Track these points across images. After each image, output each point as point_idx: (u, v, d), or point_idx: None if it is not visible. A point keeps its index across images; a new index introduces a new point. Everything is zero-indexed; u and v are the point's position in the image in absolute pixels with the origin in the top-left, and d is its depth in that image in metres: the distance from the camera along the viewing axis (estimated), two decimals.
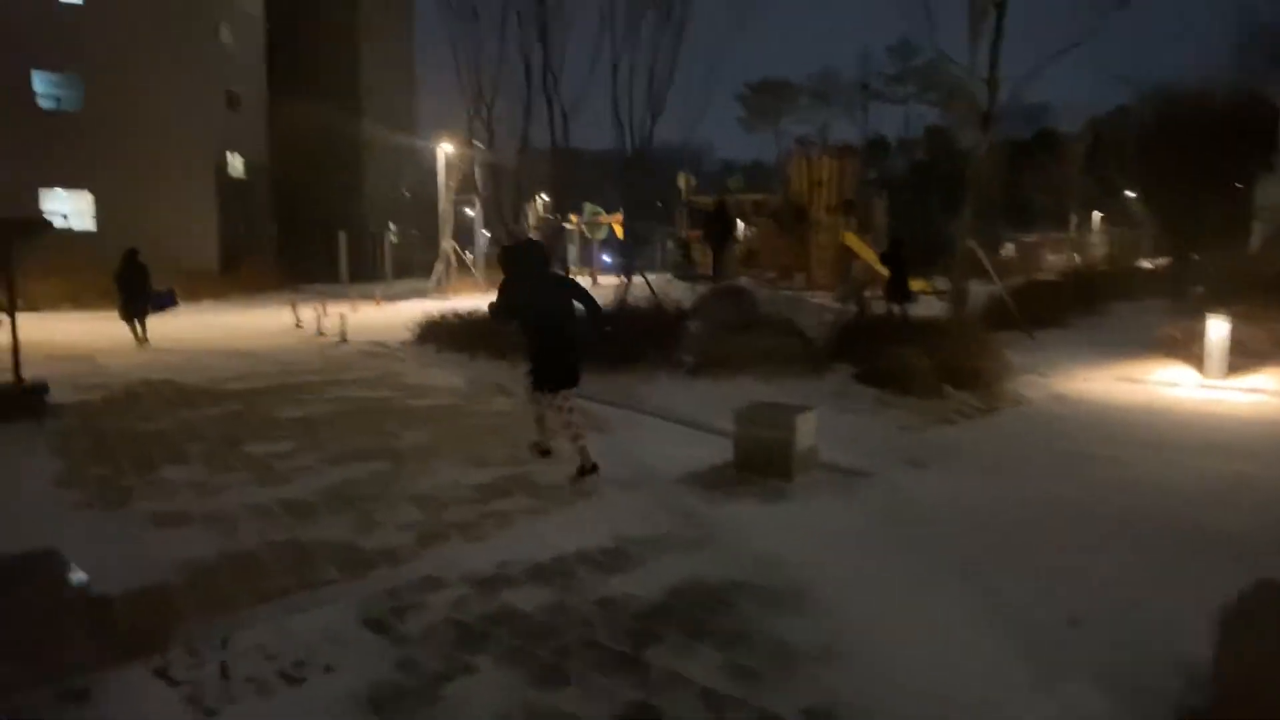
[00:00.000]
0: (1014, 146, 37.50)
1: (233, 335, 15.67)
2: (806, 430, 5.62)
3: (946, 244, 17.68)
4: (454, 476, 5.57)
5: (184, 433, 6.95)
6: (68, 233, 25.25)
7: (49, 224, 9.22)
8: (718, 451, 6.05)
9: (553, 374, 5.70)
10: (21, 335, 15.06)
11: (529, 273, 5.83)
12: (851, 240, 23.37)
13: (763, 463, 5.58)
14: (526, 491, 5.27)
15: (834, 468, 5.75)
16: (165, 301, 15.27)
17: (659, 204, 35.95)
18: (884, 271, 18.99)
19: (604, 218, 30.27)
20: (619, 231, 28.63)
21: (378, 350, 12.97)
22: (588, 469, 5.51)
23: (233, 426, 7.21)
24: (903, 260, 13.22)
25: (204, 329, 16.83)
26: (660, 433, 6.94)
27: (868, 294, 16.36)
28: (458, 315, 13.45)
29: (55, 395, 8.51)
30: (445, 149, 27.85)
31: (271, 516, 4.75)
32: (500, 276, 6.32)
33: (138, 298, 14.08)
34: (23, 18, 23.81)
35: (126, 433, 6.93)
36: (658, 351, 9.25)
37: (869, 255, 22.79)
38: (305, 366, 11.15)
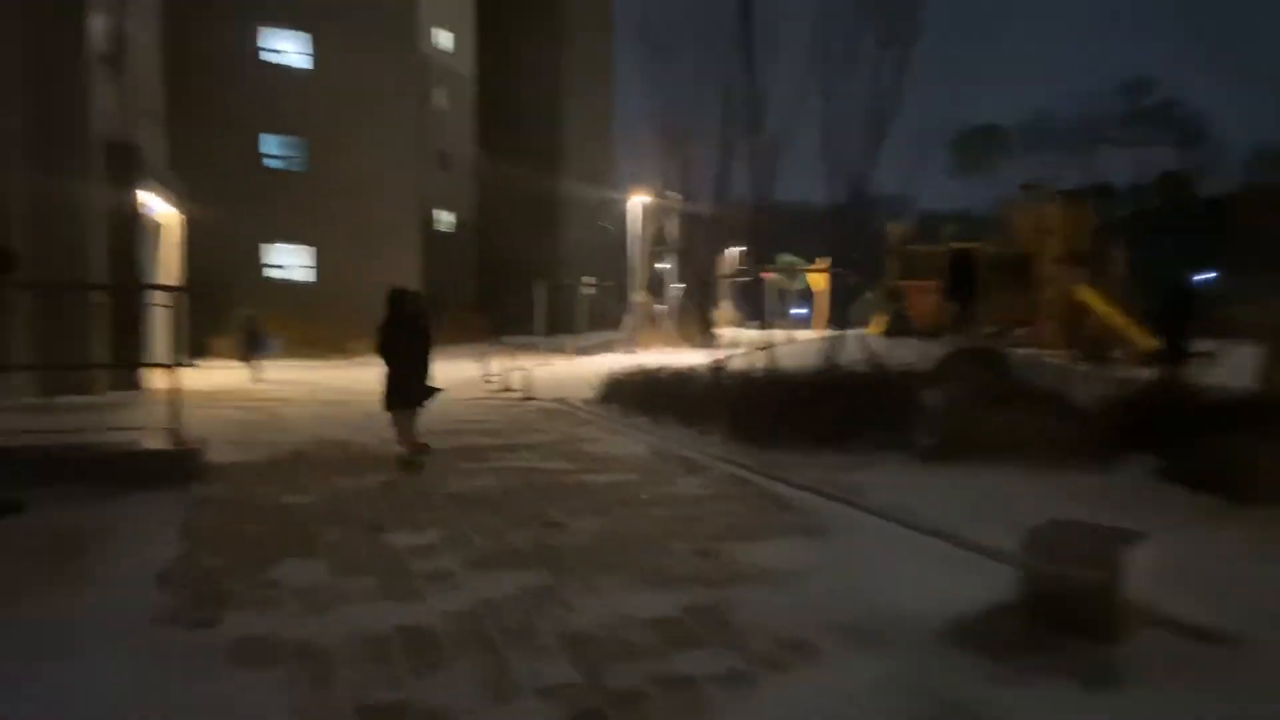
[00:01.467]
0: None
1: None
2: (1138, 570, 3.79)
3: (1212, 299, 14.83)
4: (624, 603, 4.17)
5: (329, 510, 6.03)
6: (288, 284, 26.80)
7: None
8: (985, 582, 4.30)
9: (397, 398, 7.87)
10: (226, 384, 15.45)
11: (398, 317, 7.90)
12: (1087, 294, 20.42)
13: (1067, 614, 3.79)
14: (720, 637, 3.77)
15: (1178, 627, 3.86)
16: (270, 346, 18.30)
17: (855, 255, 33.82)
18: (1124, 327, 16.23)
19: (811, 269, 28.46)
20: (819, 283, 26.88)
21: (560, 409, 12.01)
22: (415, 463, 7.55)
23: (383, 503, 6.24)
24: (1188, 316, 10.74)
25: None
26: (895, 544, 5.25)
27: (1115, 355, 13.83)
28: (644, 372, 12.33)
29: (222, 453, 8.01)
30: (639, 200, 27.33)
31: (382, 657, 3.54)
32: None
33: (255, 344, 17.36)
34: (256, 84, 25.71)
35: (268, 508, 6.10)
36: (881, 428, 7.55)
37: (1106, 310, 19.77)
38: (481, 427, 10.30)
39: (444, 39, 35.42)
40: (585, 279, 43.57)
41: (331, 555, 4.93)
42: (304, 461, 7.90)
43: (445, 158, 35.14)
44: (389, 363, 7.82)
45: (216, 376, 16.58)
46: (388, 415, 7.98)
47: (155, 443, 7.11)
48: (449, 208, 35.34)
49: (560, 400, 12.82)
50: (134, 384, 14.49)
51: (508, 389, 14.68)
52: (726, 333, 40.00)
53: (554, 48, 42.37)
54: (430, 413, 11.51)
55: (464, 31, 36.54)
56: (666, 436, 9.24)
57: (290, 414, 11.31)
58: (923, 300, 23.12)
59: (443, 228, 34.90)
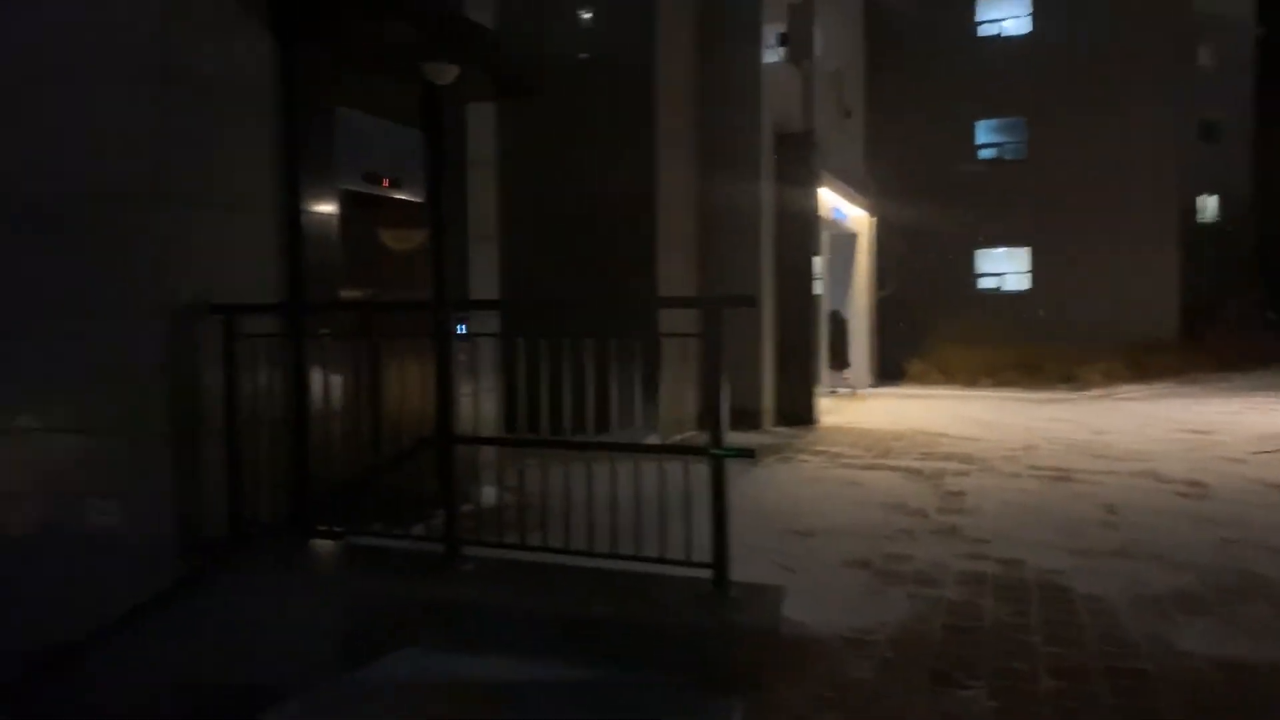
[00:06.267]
0: None
1: (1182, 447, 9.60)
2: None
3: None
4: None
5: None
6: (999, 296, 22.67)
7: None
8: None
9: None
10: (896, 418, 12.07)
11: None
12: None
13: None
14: None
15: None
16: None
17: None
18: None
19: None
20: None
21: None
22: None
23: None
24: None
25: (1142, 429, 11.18)
26: None
27: None
28: None
29: (829, 591, 4.43)
30: None
31: None
32: None
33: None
34: (968, 62, 22.17)
35: None
36: None
37: None
38: None
39: None
40: None
41: None
42: (982, 651, 3.78)
43: (1210, 128, 26.61)
44: None
45: (893, 410, 13.43)
46: None
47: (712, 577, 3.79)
48: (1216, 191, 26.72)
49: None
50: (805, 417, 12.23)
51: None
52: None
53: None
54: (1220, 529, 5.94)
55: None
56: None
57: (973, 491, 7.24)
58: None
59: (1207, 218, 26.50)
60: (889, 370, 18.26)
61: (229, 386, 4.27)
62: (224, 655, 4.00)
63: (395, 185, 5.84)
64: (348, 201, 5.35)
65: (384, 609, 3.86)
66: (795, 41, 12.63)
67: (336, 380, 4.95)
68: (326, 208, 5.14)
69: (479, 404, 6.00)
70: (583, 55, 9.45)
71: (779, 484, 7.49)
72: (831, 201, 14.23)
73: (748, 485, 6.91)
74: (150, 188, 4.16)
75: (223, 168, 4.50)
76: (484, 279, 6.78)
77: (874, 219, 17.27)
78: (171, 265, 4.20)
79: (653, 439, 8.55)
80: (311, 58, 4.98)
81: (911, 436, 10.57)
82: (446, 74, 5.54)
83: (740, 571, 3.70)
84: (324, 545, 4.46)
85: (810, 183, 12.20)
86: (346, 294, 5.41)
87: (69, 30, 4.36)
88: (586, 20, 9.93)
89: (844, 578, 4.80)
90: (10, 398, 4.55)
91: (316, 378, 4.74)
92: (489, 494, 6.28)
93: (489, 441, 4.74)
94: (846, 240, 16.60)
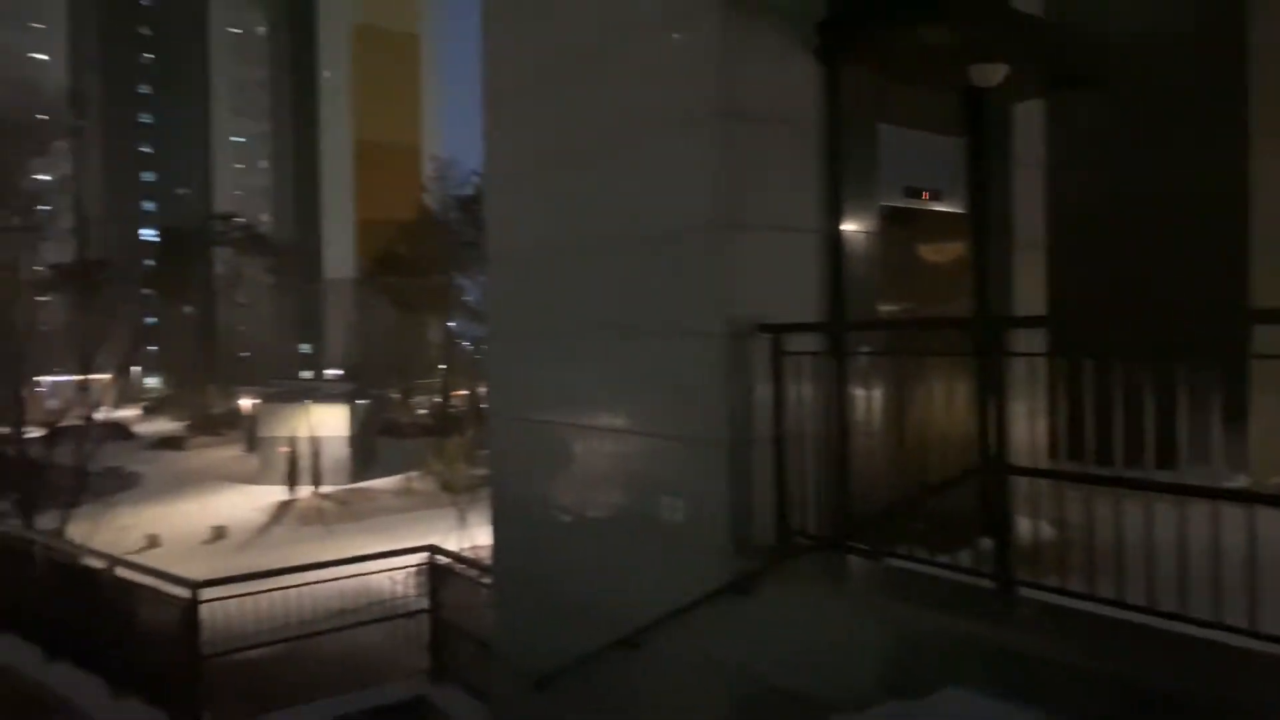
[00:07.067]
0: None
1: None
2: None
3: None
4: None
5: None
6: None
7: None
8: None
9: None
10: None
11: None
12: None
13: None
14: None
15: None
16: None
17: None
18: None
19: None
20: None
21: None
22: None
23: None
24: None
25: None
26: None
27: None
28: None
29: None
30: None
31: None
32: None
33: None
34: None
35: None
36: None
37: None
38: None
39: None
40: None
41: None
42: None
43: None
44: None
45: None
46: None
47: None
48: None
49: None
50: None
51: None
52: None
53: None
54: None
55: None
56: None
57: None
58: None
59: None
60: None
61: (775, 402, 4.47)
62: (768, 659, 4.19)
63: (935, 197, 5.63)
64: (886, 217, 5.29)
65: (926, 639, 3.67)
66: None
67: (874, 399, 4.92)
68: (865, 225, 5.14)
69: (1024, 429, 5.49)
70: (1146, 28, 8.17)
71: None
72: None
73: None
74: (716, 218, 4.58)
75: (772, 193, 4.75)
76: (1029, 291, 6.20)
77: None
78: (732, 288, 4.55)
79: (1241, 481, 7.00)
80: (851, 76, 5.03)
81: None
82: (994, 75, 5.19)
83: None
84: (861, 564, 4.42)
85: None
86: (883, 310, 5.34)
87: (651, 86, 5.04)
88: None
89: None
90: (601, 401, 5.39)
91: (854, 396, 4.76)
92: (1030, 527, 5.72)
93: (1050, 475, 4.23)
94: None
